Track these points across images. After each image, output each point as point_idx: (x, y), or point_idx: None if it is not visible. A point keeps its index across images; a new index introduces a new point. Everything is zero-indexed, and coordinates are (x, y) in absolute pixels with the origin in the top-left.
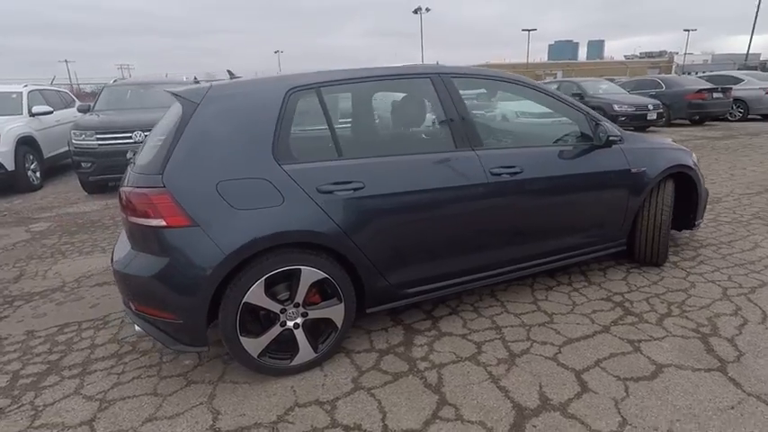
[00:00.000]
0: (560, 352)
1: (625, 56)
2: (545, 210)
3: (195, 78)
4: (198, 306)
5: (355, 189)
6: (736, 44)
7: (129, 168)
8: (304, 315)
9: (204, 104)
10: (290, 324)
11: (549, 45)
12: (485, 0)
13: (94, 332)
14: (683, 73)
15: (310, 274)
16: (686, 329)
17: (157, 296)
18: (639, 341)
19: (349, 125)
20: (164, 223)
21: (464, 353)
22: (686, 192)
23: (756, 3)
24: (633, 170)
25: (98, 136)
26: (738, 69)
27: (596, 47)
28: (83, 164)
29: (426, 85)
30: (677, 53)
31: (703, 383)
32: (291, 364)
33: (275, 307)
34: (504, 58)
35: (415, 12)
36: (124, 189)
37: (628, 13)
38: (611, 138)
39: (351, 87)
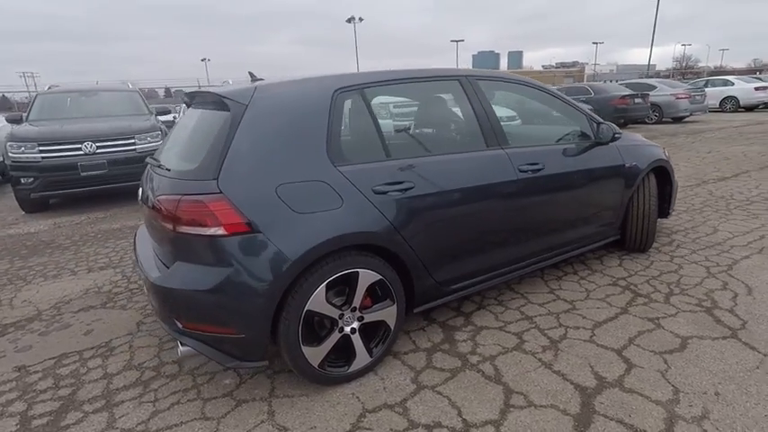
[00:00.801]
0: (594, 334)
1: (543, 66)
2: (562, 203)
3: (252, 75)
4: (262, 317)
5: (406, 189)
6: (636, 56)
7: (150, 177)
8: (360, 319)
9: (253, 106)
10: (347, 330)
11: (473, 55)
12: (411, 12)
13: (103, 360)
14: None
15: (367, 277)
16: (691, 305)
17: (215, 310)
18: (657, 318)
19: (393, 125)
20: (223, 231)
21: (508, 344)
22: (662, 183)
23: (653, 21)
24: (626, 165)
25: (41, 148)
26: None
27: (516, 57)
28: (22, 179)
29: (456, 87)
30: (587, 63)
31: (726, 350)
32: (349, 370)
33: (334, 313)
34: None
35: (349, 21)
36: (165, 197)
37: (543, 27)
38: (616, 135)
39: (390, 89)
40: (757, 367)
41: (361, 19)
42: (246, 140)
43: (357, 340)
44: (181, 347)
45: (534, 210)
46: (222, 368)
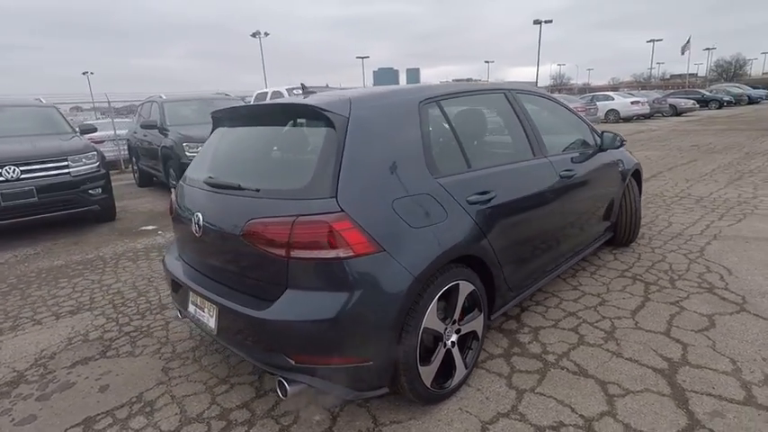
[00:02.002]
0: (637, 322)
1: (440, 81)
2: (586, 203)
3: (303, 86)
4: (390, 341)
5: (491, 198)
6: (518, 73)
7: (207, 201)
8: (458, 332)
9: (354, 118)
10: (448, 344)
11: (374, 71)
12: (312, 28)
13: (148, 418)
14: None
15: (465, 288)
16: (694, 288)
17: (340, 339)
18: (677, 302)
19: (466, 137)
20: (349, 252)
21: (571, 340)
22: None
23: (532, 43)
24: (620, 168)
25: None
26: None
27: (414, 74)
28: None
29: (502, 100)
30: (480, 80)
31: (745, 321)
32: (452, 385)
33: (441, 328)
34: (339, 82)
35: (254, 35)
36: (268, 221)
37: (437, 46)
38: (624, 142)
39: (458, 101)
40: None
41: (266, 33)
42: (356, 154)
43: (456, 353)
44: (288, 386)
45: (569, 211)
46: (304, 404)
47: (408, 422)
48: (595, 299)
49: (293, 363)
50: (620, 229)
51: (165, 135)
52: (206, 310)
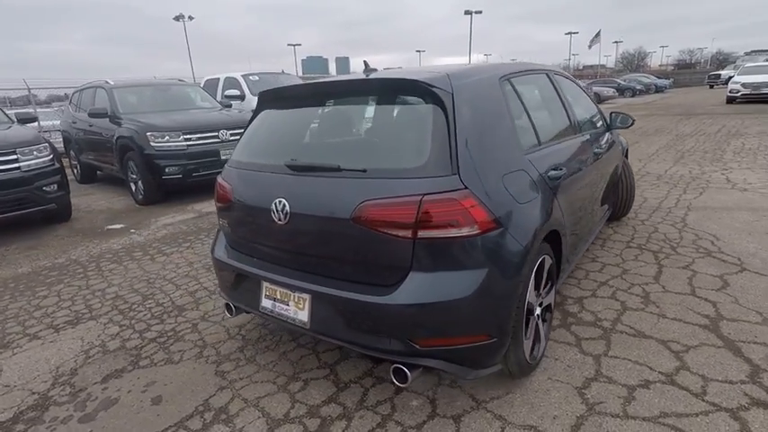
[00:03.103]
0: (663, 286)
1: None
2: (607, 177)
3: (366, 64)
4: (511, 316)
5: (563, 174)
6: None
7: (297, 186)
8: (540, 305)
9: (458, 93)
10: (536, 316)
11: (302, 60)
12: (233, 14)
13: (226, 425)
14: None
15: (547, 262)
16: (694, 252)
17: (469, 318)
18: (687, 266)
19: (533, 113)
20: (477, 230)
21: (615, 306)
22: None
23: (462, 33)
24: (620, 146)
25: None
26: None
27: (343, 63)
28: None
29: (546, 80)
30: None
31: (752, 279)
32: (538, 356)
33: (535, 300)
34: (281, 70)
35: (177, 19)
36: (389, 201)
37: (365, 35)
38: (633, 122)
39: (523, 79)
40: None
41: (191, 17)
42: (466, 130)
43: (541, 325)
44: (410, 372)
45: (598, 185)
46: (393, 392)
47: (507, 397)
48: (617, 269)
49: (418, 347)
50: (619, 203)
51: (119, 124)
52: (292, 302)
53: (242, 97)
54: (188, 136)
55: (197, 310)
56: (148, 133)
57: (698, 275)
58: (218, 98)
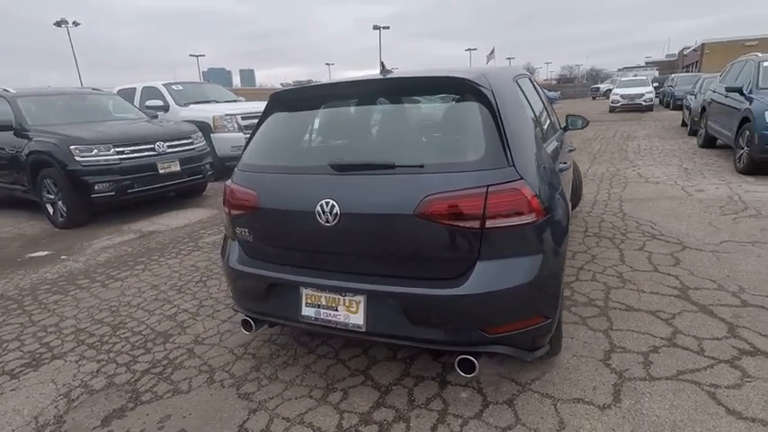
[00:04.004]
0: (631, 266)
1: (281, 83)
2: (573, 171)
3: (383, 65)
4: (561, 296)
5: (567, 166)
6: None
7: (350, 186)
8: None
9: (496, 91)
10: None
11: (203, 72)
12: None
13: None
14: None
15: None
16: (641, 236)
17: (532, 301)
18: (641, 248)
19: (535, 112)
20: (534, 218)
21: (599, 287)
22: None
23: (364, 47)
24: (570, 146)
25: None
26: None
27: (248, 75)
28: None
29: (529, 82)
30: (320, 82)
31: (696, 254)
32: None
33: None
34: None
35: (58, 24)
36: (456, 193)
37: (271, 47)
38: (588, 123)
39: (521, 81)
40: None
41: (76, 23)
42: (511, 125)
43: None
44: (477, 361)
45: (571, 179)
46: (438, 387)
47: (546, 377)
48: (586, 255)
49: (487, 335)
50: (573, 196)
51: (28, 138)
52: (342, 306)
53: (165, 108)
54: (120, 149)
55: (185, 334)
56: (72, 147)
57: (654, 255)
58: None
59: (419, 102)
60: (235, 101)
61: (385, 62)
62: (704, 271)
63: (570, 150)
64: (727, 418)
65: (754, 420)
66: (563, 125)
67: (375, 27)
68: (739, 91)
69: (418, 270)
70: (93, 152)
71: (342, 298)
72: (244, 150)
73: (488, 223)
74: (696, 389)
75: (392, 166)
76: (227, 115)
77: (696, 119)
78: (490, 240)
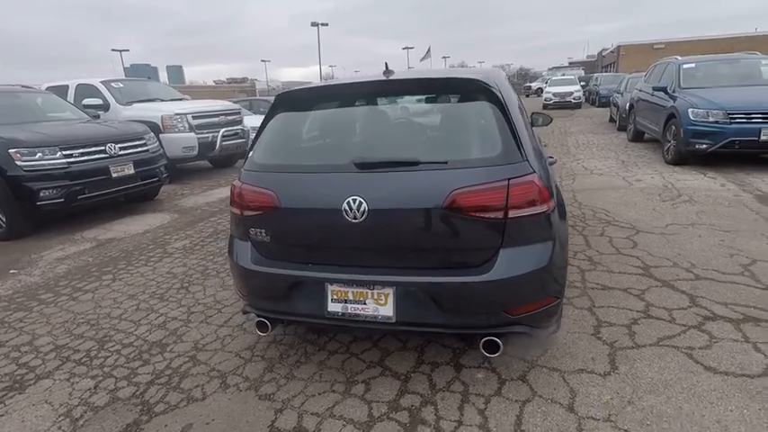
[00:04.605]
0: (597, 250)
1: (214, 81)
2: None
3: (386, 66)
4: (566, 277)
5: (554, 160)
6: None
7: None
8: None
9: (502, 91)
10: None
11: (126, 68)
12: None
13: None
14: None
15: None
16: (600, 223)
17: (547, 283)
18: (602, 234)
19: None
20: (546, 207)
21: (574, 271)
22: None
23: (303, 43)
24: None
25: None
26: None
27: (176, 72)
28: None
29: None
30: (257, 80)
31: (648, 237)
32: None
33: None
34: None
35: None
36: (482, 187)
37: (200, 42)
38: (551, 120)
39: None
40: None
41: None
42: (517, 122)
43: None
44: (500, 341)
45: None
46: (454, 371)
47: (549, 353)
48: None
49: (511, 316)
50: None
51: None
52: (370, 300)
53: (106, 107)
54: (68, 152)
55: (181, 342)
56: (12, 150)
57: (614, 239)
58: None
59: (439, 101)
60: (181, 99)
61: (322, 59)
62: (659, 251)
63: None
64: (705, 374)
65: (727, 374)
66: None
67: (313, 24)
68: (664, 90)
69: (445, 260)
70: (37, 156)
71: (370, 291)
72: (250, 151)
73: (510, 213)
74: (676, 352)
75: (416, 163)
76: (176, 114)
77: (624, 116)
78: (511, 229)
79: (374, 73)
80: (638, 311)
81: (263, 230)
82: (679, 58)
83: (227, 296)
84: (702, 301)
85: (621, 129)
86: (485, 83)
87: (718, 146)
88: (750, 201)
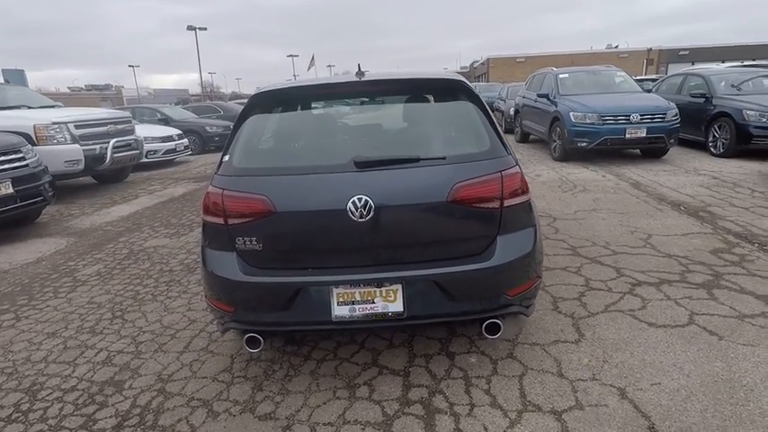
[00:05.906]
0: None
1: (69, 87)
2: None
3: (359, 67)
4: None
5: None
6: (159, 81)
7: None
8: None
9: (477, 91)
10: None
11: None
12: None
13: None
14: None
15: None
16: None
17: (534, 264)
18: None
19: None
20: (527, 196)
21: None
22: None
23: (172, 49)
24: None
25: None
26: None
27: (17, 76)
28: None
29: None
30: (123, 87)
31: (563, 222)
32: None
33: None
34: None
35: None
36: (480, 179)
37: (49, 44)
38: None
39: None
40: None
41: None
42: (493, 119)
43: None
44: (502, 323)
45: None
46: (449, 359)
47: (525, 331)
48: None
49: (509, 297)
50: None
51: None
52: (379, 298)
53: None
54: None
55: (140, 376)
56: None
57: (558, 233)
58: None
59: (424, 99)
60: (53, 106)
61: (202, 65)
62: (577, 233)
63: None
64: (651, 329)
65: (665, 326)
66: None
67: (190, 27)
68: (547, 97)
69: (449, 250)
70: None
71: (378, 289)
72: (224, 155)
73: (505, 203)
74: (623, 315)
75: (417, 160)
76: (54, 124)
77: (510, 120)
78: (506, 217)
79: (279, 80)
80: (581, 285)
81: (253, 239)
82: (555, 69)
83: (176, 320)
84: (626, 272)
85: (509, 131)
86: (464, 82)
87: (595, 144)
88: (628, 188)
